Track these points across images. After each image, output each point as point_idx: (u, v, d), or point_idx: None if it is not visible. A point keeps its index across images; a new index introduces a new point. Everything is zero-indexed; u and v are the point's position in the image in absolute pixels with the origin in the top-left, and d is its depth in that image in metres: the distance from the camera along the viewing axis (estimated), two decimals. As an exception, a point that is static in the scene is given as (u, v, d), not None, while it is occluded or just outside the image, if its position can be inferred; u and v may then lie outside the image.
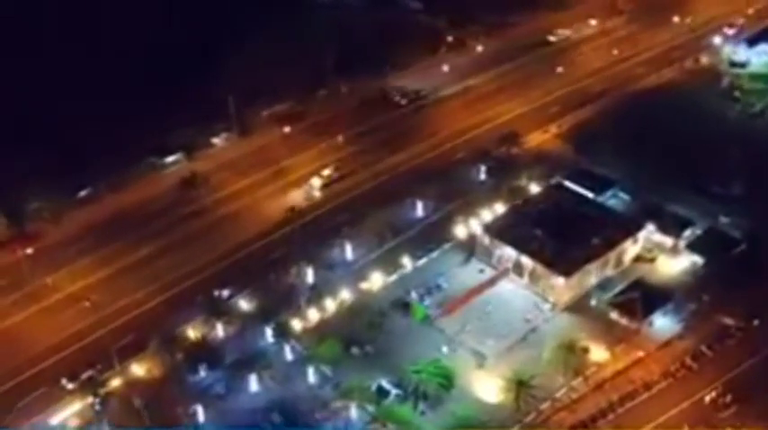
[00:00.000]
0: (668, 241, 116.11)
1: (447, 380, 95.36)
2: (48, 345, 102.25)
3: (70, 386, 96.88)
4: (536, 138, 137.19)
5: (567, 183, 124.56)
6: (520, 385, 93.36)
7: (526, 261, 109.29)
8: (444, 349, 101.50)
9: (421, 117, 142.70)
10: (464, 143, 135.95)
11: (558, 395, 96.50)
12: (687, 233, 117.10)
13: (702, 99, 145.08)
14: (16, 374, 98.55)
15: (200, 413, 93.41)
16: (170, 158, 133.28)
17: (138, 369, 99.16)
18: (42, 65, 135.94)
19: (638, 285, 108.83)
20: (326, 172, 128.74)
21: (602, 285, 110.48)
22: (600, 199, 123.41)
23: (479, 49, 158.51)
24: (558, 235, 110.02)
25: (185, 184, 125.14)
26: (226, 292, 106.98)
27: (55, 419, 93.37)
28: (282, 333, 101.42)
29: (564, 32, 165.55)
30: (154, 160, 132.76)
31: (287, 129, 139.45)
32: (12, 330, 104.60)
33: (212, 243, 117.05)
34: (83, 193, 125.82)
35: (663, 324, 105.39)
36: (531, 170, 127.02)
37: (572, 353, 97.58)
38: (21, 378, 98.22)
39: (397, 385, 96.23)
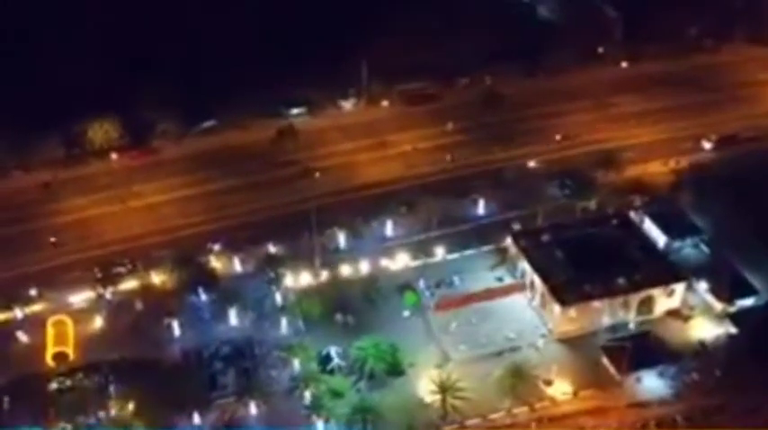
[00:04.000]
0: (717, 305, 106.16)
1: (389, 366, 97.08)
2: (105, 240, 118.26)
3: (99, 276, 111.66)
4: (647, 169, 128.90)
5: (646, 220, 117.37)
6: (443, 391, 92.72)
7: (537, 281, 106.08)
8: (406, 313, 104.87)
9: (540, 122, 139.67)
10: (568, 158, 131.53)
11: (493, 415, 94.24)
12: (745, 302, 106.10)
13: None
14: (70, 254, 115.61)
15: (175, 328, 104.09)
16: (294, 110, 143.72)
17: (155, 278, 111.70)
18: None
19: (646, 338, 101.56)
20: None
21: (615, 328, 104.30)
22: (675, 244, 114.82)
23: (623, 65, 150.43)
24: (582, 264, 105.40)
25: (280, 135, 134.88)
26: (217, 246, 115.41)
27: (69, 299, 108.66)
28: (278, 280, 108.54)
29: None
30: (281, 109, 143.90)
31: (410, 107, 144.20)
32: (86, 221, 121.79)
33: (284, 192, 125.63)
34: (207, 124, 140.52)
35: (653, 384, 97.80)
36: (612, 198, 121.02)
37: (520, 380, 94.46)
38: (71, 258, 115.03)
39: (345, 357, 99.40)
